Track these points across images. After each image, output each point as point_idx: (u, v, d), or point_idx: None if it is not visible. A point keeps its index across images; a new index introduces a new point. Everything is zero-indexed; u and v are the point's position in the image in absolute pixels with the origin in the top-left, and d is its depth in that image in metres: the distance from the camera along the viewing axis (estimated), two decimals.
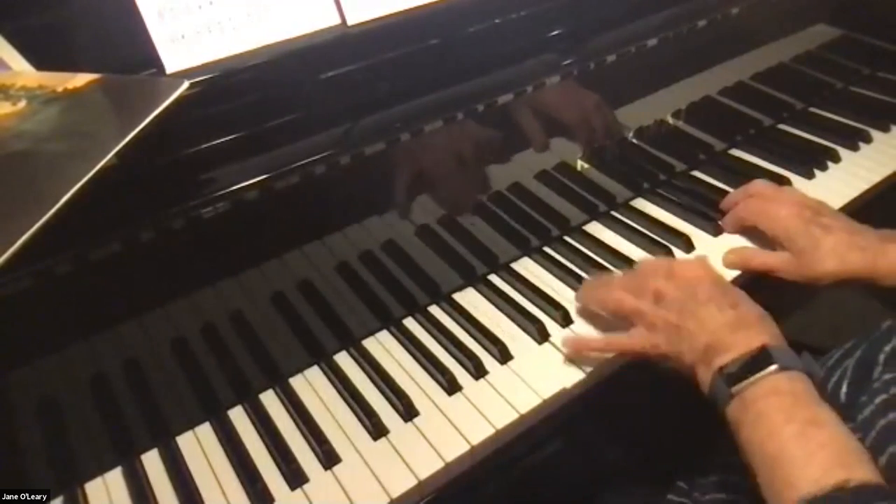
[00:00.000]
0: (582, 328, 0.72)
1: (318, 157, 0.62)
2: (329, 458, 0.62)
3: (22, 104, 0.54)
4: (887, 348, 0.59)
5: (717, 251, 0.79)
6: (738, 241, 0.81)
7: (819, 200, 0.78)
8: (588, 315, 0.73)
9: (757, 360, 0.56)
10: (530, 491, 0.78)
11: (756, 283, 0.76)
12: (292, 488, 0.60)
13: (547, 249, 0.84)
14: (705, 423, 0.69)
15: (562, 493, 0.77)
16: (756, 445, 0.53)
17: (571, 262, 0.81)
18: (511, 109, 0.75)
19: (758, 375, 0.55)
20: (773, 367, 0.55)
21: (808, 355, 0.59)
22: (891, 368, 0.57)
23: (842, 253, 0.70)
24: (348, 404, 0.67)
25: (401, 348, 0.73)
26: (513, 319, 0.74)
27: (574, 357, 0.68)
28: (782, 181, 0.90)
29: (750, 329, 0.60)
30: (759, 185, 0.83)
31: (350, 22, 0.65)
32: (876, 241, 0.70)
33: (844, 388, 0.62)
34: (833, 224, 0.73)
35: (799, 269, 0.72)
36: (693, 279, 0.65)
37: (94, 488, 0.61)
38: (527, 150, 0.80)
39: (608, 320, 0.71)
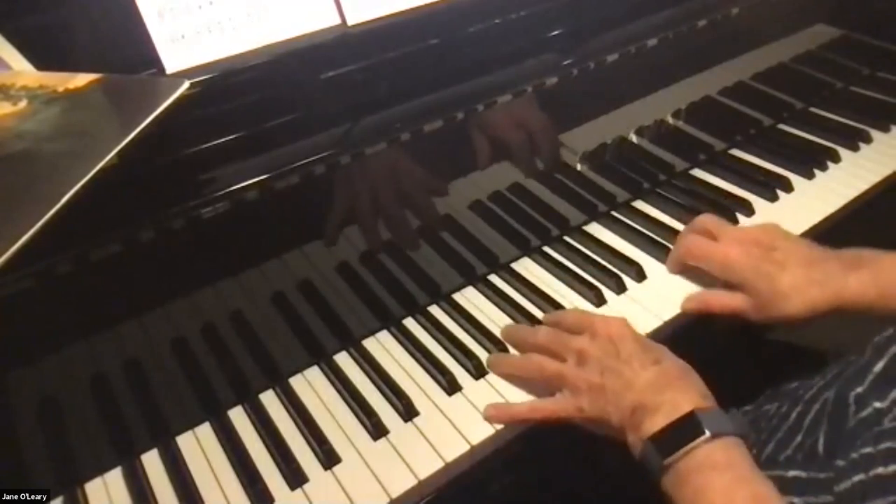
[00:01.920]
0: None
1: (318, 157, 0.62)
2: (329, 458, 0.62)
3: (22, 104, 0.54)
4: (859, 390, 0.56)
5: None
6: None
7: (768, 229, 0.73)
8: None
9: (687, 428, 0.54)
10: (530, 491, 0.78)
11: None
12: (292, 488, 0.60)
13: (547, 249, 0.84)
14: None
15: (562, 493, 0.77)
16: None
17: (571, 262, 0.81)
18: (512, 109, 0.75)
19: (690, 446, 0.53)
20: (705, 436, 0.53)
21: (736, 413, 0.57)
22: (867, 434, 0.52)
23: (802, 291, 0.66)
24: (348, 404, 0.67)
25: (401, 348, 0.73)
26: (513, 319, 0.74)
27: (500, 423, 0.64)
28: (782, 181, 0.90)
29: (675, 387, 0.58)
30: (703, 220, 0.77)
31: (350, 22, 0.65)
32: (835, 270, 0.66)
33: (822, 440, 0.58)
34: (787, 259, 0.68)
35: (763, 313, 0.68)
36: (615, 336, 0.62)
37: (94, 488, 0.61)
38: (526, 152, 0.80)
39: None
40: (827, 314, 0.66)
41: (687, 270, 0.77)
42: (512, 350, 0.70)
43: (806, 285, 0.66)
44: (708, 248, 0.73)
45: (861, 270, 0.65)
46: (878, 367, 0.55)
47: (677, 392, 0.57)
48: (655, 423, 0.56)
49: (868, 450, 0.50)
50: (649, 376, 0.59)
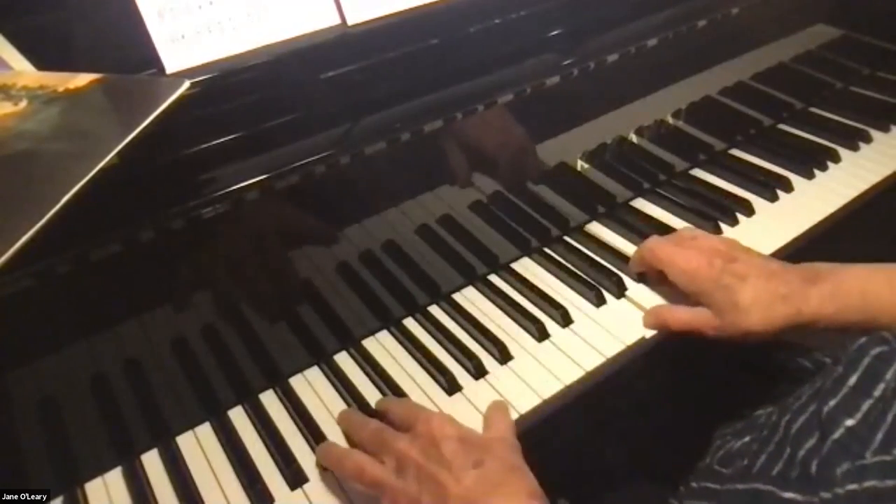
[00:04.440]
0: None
1: (318, 157, 0.62)
2: None
3: (23, 104, 0.54)
4: (832, 403, 0.52)
5: None
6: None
7: (727, 241, 0.72)
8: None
9: None
10: None
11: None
12: (292, 488, 0.60)
13: (547, 249, 0.84)
14: (704, 425, 0.69)
15: (562, 494, 0.77)
16: None
17: (571, 262, 0.81)
18: (512, 109, 0.75)
19: None
20: None
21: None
22: (849, 467, 0.49)
23: (764, 305, 0.64)
24: (348, 404, 0.67)
25: (401, 348, 0.73)
26: (513, 319, 0.74)
27: None
28: (782, 181, 0.90)
29: (498, 492, 0.53)
30: (654, 243, 0.74)
31: (350, 22, 0.65)
32: (798, 284, 0.64)
33: (815, 462, 0.54)
34: (748, 271, 0.66)
35: (722, 329, 0.66)
36: (437, 437, 0.57)
37: (94, 488, 0.61)
38: (526, 151, 0.80)
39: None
40: (785, 330, 0.64)
41: (652, 274, 0.75)
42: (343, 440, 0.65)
43: (767, 299, 0.64)
44: (671, 252, 0.71)
45: (821, 284, 0.64)
46: (853, 379, 0.53)
47: (500, 499, 0.53)
48: None
49: (853, 487, 0.48)
50: (468, 483, 0.54)
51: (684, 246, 0.71)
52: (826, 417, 0.52)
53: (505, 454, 0.57)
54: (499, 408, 0.64)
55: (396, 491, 0.56)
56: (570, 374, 0.68)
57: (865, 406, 0.50)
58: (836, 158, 0.95)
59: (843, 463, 0.49)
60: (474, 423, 0.63)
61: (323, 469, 0.62)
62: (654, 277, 0.76)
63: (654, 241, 0.74)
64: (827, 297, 0.63)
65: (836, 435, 0.50)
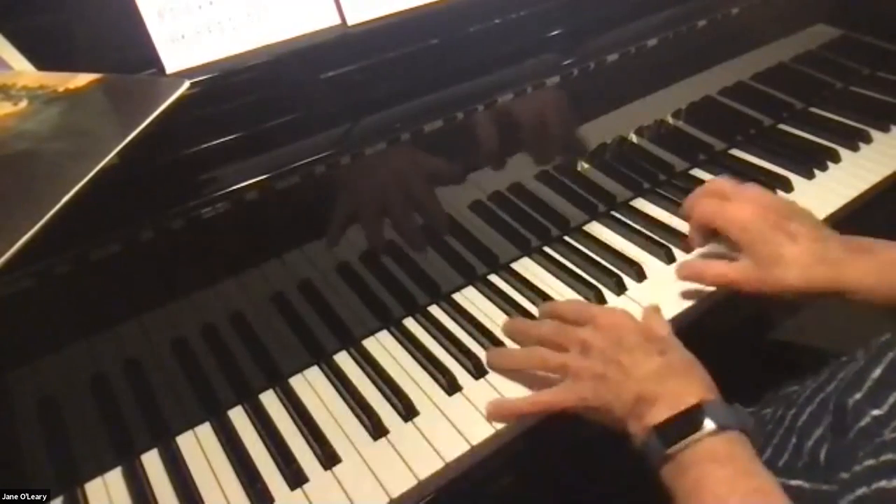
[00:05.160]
0: None
1: (318, 157, 0.62)
2: (329, 458, 0.62)
3: (23, 104, 0.54)
4: (857, 396, 0.55)
5: None
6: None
7: (788, 201, 0.73)
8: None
9: (691, 420, 0.54)
10: (530, 491, 0.78)
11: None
12: (292, 488, 0.60)
13: (547, 249, 0.84)
14: None
15: (561, 493, 0.77)
16: None
17: (571, 262, 0.81)
18: (511, 110, 0.75)
19: (693, 437, 0.53)
20: (710, 428, 0.53)
21: (740, 408, 0.57)
22: (868, 446, 0.52)
23: (806, 265, 0.65)
24: (348, 404, 0.67)
25: (401, 348, 0.73)
26: None
27: (501, 421, 0.63)
28: (782, 181, 0.90)
29: (679, 378, 0.57)
30: (718, 182, 0.76)
31: (350, 22, 0.65)
32: (844, 252, 0.66)
33: (824, 449, 0.58)
34: (800, 231, 0.67)
35: (759, 281, 0.67)
36: (619, 326, 0.62)
37: (94, 488, 0.61)
38: (526, 151, 0.80)
39: None
40: (823, 293, 0.65)
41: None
42: (510, 344, 0.70)
43: (811, 259, 0.65)
44: (719, 208, 0.71)
45: (866, 256, 0.65)
46: (877, 373, 0.55)
47: (681, 383, 0.57)
48: (659, 413, 0.56)
49: (870, 462, 0.50)
50: (652, 366, 0.58)
51: (735, 199, 0.71)
52: (852, 408, 0.54)
53: (683, 349, 0.61)
54: (657, 310, 0.67)
55: (581, 368, 0.60)
56: None
57: (892, 398, 0.52)
58: (836, 158, 0.95)
59: (866, 447, 0.51)
60: (474, 423, 0.64)
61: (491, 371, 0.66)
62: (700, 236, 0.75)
63: (700, 204, 0.73)
64: (870, 269, 0.64)
65: (862, 423, 0.53)
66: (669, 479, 0.54)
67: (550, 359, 0.63)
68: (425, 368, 0.70)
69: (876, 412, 0.52)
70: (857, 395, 0.54)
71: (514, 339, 0.70)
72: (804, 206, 0.73)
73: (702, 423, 0.54)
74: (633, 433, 0.58)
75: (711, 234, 0.74)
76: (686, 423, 0.54)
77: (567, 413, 0.61)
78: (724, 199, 0.72)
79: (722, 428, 0.54)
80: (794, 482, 0.56)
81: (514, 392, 0.66)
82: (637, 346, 0.60)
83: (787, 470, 0.59)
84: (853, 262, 0.65)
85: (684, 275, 0.73)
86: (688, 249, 0.79)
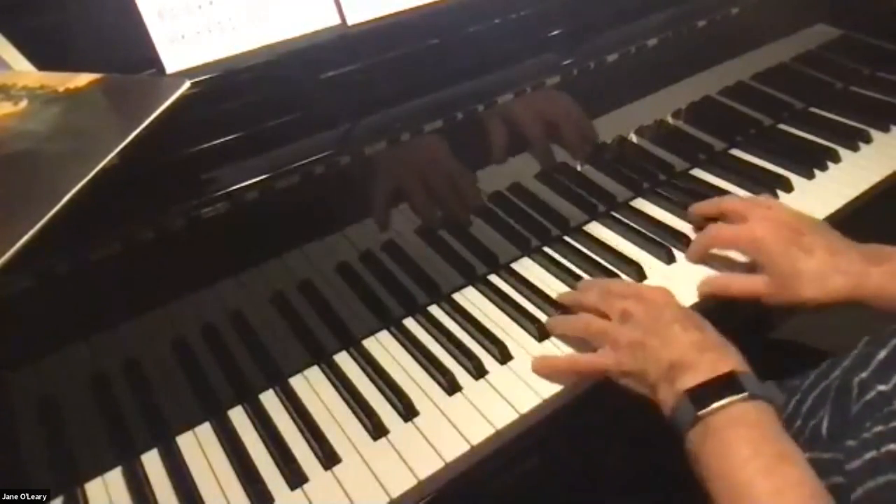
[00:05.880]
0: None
1: (318, 157, 0.62)
2: (329, 458, 0.62)
3: (23, 104, 0.54)
4: (863, 375, 0.57)
5: None
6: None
7: (798, 213, 0.74)
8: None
9: (725, 385, 0.56)
10: (531, 492, 0.78)
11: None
12: (292, 488, 0.60)
13: (547, 249, 0.84)
14: None
15: (563, 495, 0.77)
16: (720, 476, 0.53)
17: (571, 262, 0.81)
18: (511, 110, 0.75)
19: (726, 401, 0.55)
20: (743, 395, 0.55)
21: (771, 384, 0.59)
22: (876, 415, 0.54)
23: (824, 278, 0.67)
24: (348, 404, 0.67)
25: (401, 348, 0.73)
26: (513, 319, 0.74)
27: (543, 377, 0.67)
28: (782, 181, 0.90)
29: (715, 351, 0.59)
30: (729, 202, 0.78)
31: (350, 22, 0.65)
32: (859, 262, 0.67)
33: (825, 423, 0.60)
34: (814, 244, 0.69)
35: (779, 295, 0.69)
36: (660, 302, 0.65)
37: (94, 488, 0.61)
38: (526, 151, 0.80)
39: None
40: (843, 303, 0.67)
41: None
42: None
43: (830, 271, 0.67)
44: (735, 231, 0.74)
45: (884, 264, 0.66)
46: (882, 354, 0.57)
47: (718, 354, 0.59)
48: (694, 378, 0.57)
49: (879, 428, 0.52)
50: (691, 337, 0.61)
51: (750, 219, 0.73)
52: (857, 385, 0.56)
53: (716, 330, 0.62)
54: (671, 294, 0.68)
55: (621, 335, 0.63)
56: None
57: None
58: (836, 158, 0.95)
59: (873, 415, 0.53)
60: (474, 423, 0.64)
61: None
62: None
63: (715, 230, 0.77)
64: (888, 276, 0.66)
65: (868, 397, 0.55)
66: (697, 442, 0.55)
67: (593, 324, 0.67)
68: (425, 368, 0.70)
69: (882, 387, 0.55)
70: (863, 375, 0.57)
71: (566, 307, 0.73)
72: (806, 208, 0.74)
73: (736, 389, 0.56)
74: (664, 399, 0.59)
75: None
76: (719, 388, 0.56)
77: (602, 376, 0.64)
78: (737, 219, 0.75)
79: (754, 396, 0.55)
80: None
81: (514, 391, 0.66)
82: (676, 320, 0.63)
83: None
84: (871, 272, 0.66)
85: (708, 290, 0.74)
86: (691, 254, 0.80)
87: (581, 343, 0.69)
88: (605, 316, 0.67)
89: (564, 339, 0.71)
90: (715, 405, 0.55)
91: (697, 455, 0.55)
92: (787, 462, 0.52)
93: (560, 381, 0.66)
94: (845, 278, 0.66)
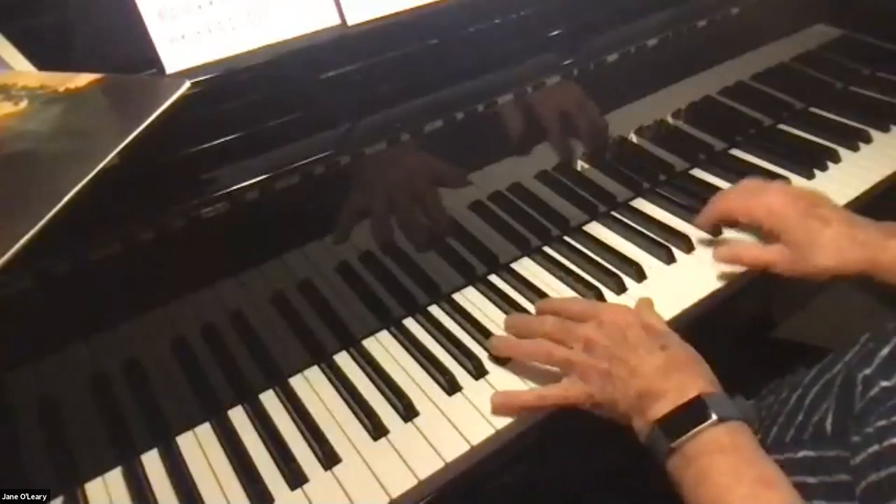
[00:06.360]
0: None
1: (318, 157, 0.62)
2: (329, 458, 0.62)
3: (23, 104, 0.54)
4: (867, 371, 0.57)
5: None
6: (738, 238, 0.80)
7: (814, 191, 0.76)
8: None
9: (693, 412, 0.55)
10: (531, 491, 0.78)
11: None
12: (292, 488, 0.60)
13: (547, 249, 0.84)
14: None
15: (563, 495, 0.77)
16: None
17: (571, 262, 0.81)
18: (511, 110, 0.75)
19: (696, 429, 0.54)
20: (711, 420, 0.54)
21: (742, 399, 0.59)
22: (879, 410, 0.54)
23: (841, 247, 0.68)
24: (348, 404, 0.67)
25: (401, 348, 0.73)
26: None
27: (504, 413, 0.64)
28: (782, 181, 0.90)
29: (681, 373, 0.59)
30: (744, 181, 0.80)
31: (350, 22, 0.65)
32: (877, 235, 0.68)
33: (829, 420, 0.60)
34: (831, 215, 0.70)
35: (794, 264, 0.70)
36: (621, 323, 0.63)
37: (94, 488, 0.61)
38: (526, 151, 0.80)
39: None
40: (856, 276, 0.67)
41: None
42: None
43: (846, 242, 0.68)
44: (749, 200, 0.75)
45: None
46: (885, 351, 0.57)
47: (684, 377, 0.58)
48: (662, 407, 0.57)
49: (882, 423, 0.52)
50: (656, 362, 0.59)
51: (765, 192, 0.75)
52: (861, 382, 0.56)
53: (684, 343, 0.62)
54: (650, 304, 0.69)
55: (587, 366, 0.61)
56: None
57: None
58: (836, 158, 0.95)
59: (877, 411, 0.53)
60: (474, 423, 0.64)
61: (497, 360, 0.68)
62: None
63: (730, 196, 0.77)
64: None
65: (872, 393, 0.55)
66: (676, 472, 0.55)
67: (555, 352, 0.64)
68: (425, 368, 0.70)
69: (885, 383, 0.55)
70: (867, 371, 0.56)
71: (516, 334, 0.71)
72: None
73: (704, 414, 0.55)
74: (639, 428, 0.59)
75: (728, 226, 0.79)
76: (688, 415, 0.56)
77: (570, 409, 0.62)
78: (751, 194, 0.76)
79: (723, 419, 0.55)
80: (800, 454, 0.58)
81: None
82: (640, 342, 0.61)
83: (794, 443, 0.61)
84: (888, 245, 0.67)
85: (721, 257, 0.75)
86: (689, 249, 0.80)
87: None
88: (563, 343, 0.65)
89: (510, 373, 0.67)
90: (686, 435, 0.54)
91: (679, 483, 0.55)
92: (769, 487, 0.51)
93: (521, 424, 0.64)
94: (862, 249, 0.67)
